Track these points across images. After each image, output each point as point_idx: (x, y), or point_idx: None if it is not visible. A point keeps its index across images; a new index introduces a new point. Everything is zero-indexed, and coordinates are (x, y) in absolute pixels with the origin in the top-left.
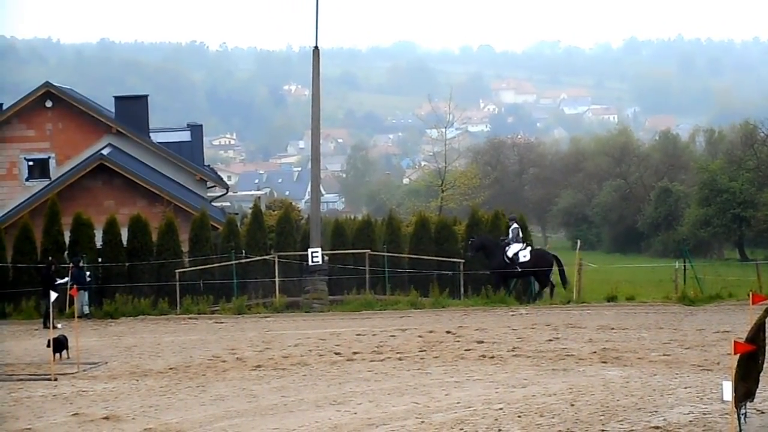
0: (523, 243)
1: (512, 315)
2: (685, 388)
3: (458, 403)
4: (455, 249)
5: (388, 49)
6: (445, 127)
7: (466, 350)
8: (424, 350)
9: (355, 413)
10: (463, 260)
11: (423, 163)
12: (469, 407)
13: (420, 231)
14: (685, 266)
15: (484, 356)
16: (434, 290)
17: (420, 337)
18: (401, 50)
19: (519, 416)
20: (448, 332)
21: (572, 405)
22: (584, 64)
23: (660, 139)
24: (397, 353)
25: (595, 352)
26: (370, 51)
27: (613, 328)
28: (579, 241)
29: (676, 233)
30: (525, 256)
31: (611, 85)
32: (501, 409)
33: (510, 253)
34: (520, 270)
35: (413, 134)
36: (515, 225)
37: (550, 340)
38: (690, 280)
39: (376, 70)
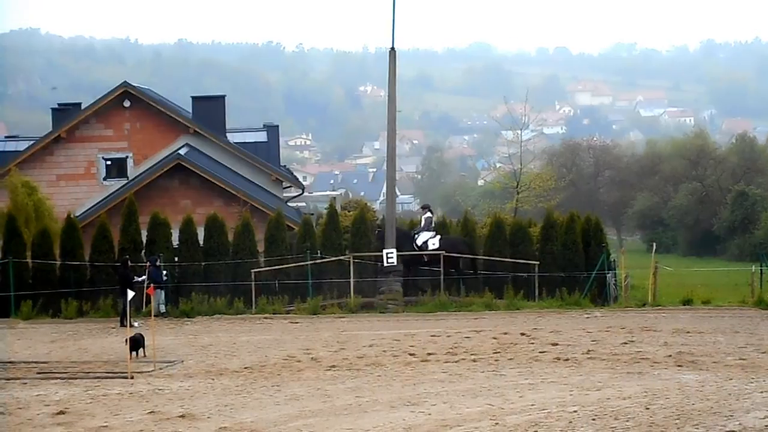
0: (434, 232)
1: (587, 318)
2: (761, 392)
3: (532, 405)
4: (530, 251)
5: (464, 51)
6: (521, 129)
7: (540, 352)
8: (499, 352)
9: (429, 414)
10: (538, 262)
11: (498, 165)
12: (544, 409)
13: (495, 233)
14: (761, 270)
15: (558, 359)
16: (509, 292)
17: (494, 338)
18: (477, 52)
19: (593, 419)
20: (522, 334)
21: (647, 408)
22: (660, 66)
23: (737, 142)
24: (472, 355)
25: (670, 356)
26: (446, 52)
27: (688, 332)
28: (654, 244)
29: (753, 237)
30: (434, 243)
31: (688, 87)
32: (575, 411)
33: (419, 241)
34: (427, 258)
35: (488, 136)
36: (428, 214)
37: (625, 343)
38: (766, 284)
39: (452, 72)
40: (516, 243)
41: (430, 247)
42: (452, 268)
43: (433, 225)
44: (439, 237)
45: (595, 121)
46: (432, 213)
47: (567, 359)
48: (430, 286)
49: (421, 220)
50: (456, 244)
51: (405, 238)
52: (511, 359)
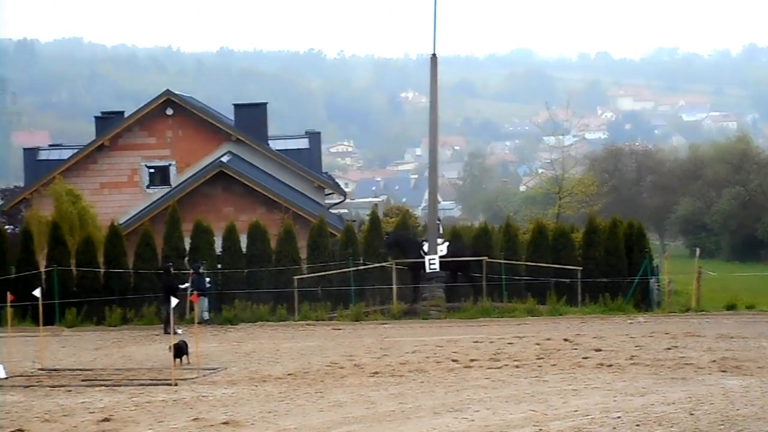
0: (442, 238)
1: (630, 323)
2: None
3: (576, 411)
4: (572, 256)
5: (505, 57)
6: (563, 135)
7: (583, 358)
8: (542, 358)
9: (473, 420)
10: (581, 268)
11: (540, 171)
12: (587, 415)
13: (537, 238)
14: None
15: (601, 364)
16: (551, 298)
17: (537, 344)
18: (518, 57)
19: (637, 425)
20: (565, 340)
21: (691, 414)
22: (703, 70)
23: None
24: (515, 361)
25: (714, 361)
26: (488, 58)
27: (732, 337)
28: (698, 249)
29: None
30: (441, 250)
31: (730, 91)
32: (619, 417)
33: (426, 247)
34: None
35: (530, 141)
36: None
37: (669, 349)
38: None
39: (494, 78)
40: (558, 249)
41: (438, 253)
42: (461, 273)
43: (440, 232)
44: (446, 244)
45: (637, 126)
46: (439, 220)
47: (610, 365)
48: (472, 293)
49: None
50: (463, 250)
51: (413, 246)
52: (554, 365)
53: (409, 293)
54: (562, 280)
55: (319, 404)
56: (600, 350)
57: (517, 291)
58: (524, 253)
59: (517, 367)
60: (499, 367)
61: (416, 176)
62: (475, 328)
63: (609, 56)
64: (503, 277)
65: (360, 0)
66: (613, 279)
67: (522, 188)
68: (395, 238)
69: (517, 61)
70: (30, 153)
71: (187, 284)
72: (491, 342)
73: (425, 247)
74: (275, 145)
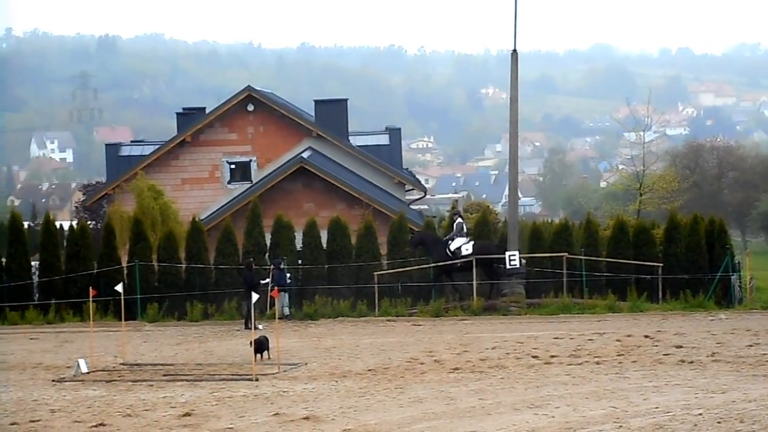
0: (467, 237)
1: (711, 320)
2: None
3: (657, 408)
4: (653, 253)
5: (585, 52)
6: (643, 131)
7: (664, 355)
8: (622, 354)
9: (553, 417)
10: (661, 264)
11: (620, 167)
12: (668, 412)
13: (618, 234)
14: None
15: (683, 361)
16: (632, 294)
17: (618, 341)
18: (599, 53)
19: (719, 422)
20: (646, 336)
21: None
22: None
23: None
24: (595, 357)
25: None
26: (568, 54)
27: None
28: None
29: None
30: (467, 249)
31: None
32: (700, 414)
33: (453, 246)
34: (460, 264)
35: (611, 137)
36: (459, 219)
37: (751, 346)
38: None
39: (574, 73)
40: (639, 245)
41: (464, 252)
42: (486, 272)
43: (464, 230)
44: (472, 242)
45: (719, 121)
46: (462, 218)
47: (691, 362)
48: (552, 289)
49: (453, 227)
50: (489, 248)
51: (438, 245)
52: (634, 362)
53: (489, 289)
54: (642, 276)
55: (399, 400)
56: (681, 347)
57: (598, 287)
58: (605, 250)
59: (597, 363)
60: (579, 364)
61: (496, 172)
62: (556, 324)
63: (690, 52)
64: (584, 273)
65: None
66: (694, 275)
67: (602, 184)
68: (420, 237)
69: (597, 57)
70: (112, 149)
71: (267, 280)
72: (571, 338)
73: (451, 246)
74: (355, 141)
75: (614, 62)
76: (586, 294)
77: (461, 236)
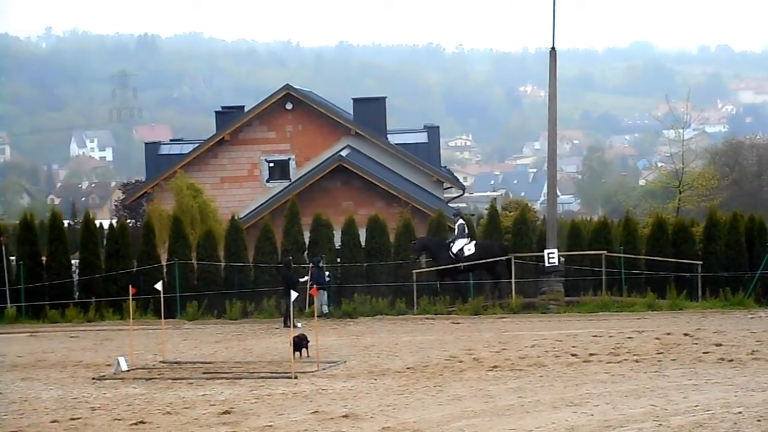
0: (468, 238)
1: (751, 318)
2: None
3: (696, 406)
4: (693, 251)
5: (624, 50)
6: (683, 128)
7: (704, 353)
8: (662, 352)
9: (592, 415)
10: (701, 262)
11: (659, 164)
12: (708, 410)
13: (657, 232)
14: None
15: (722, 359)
16: (671, 292)
17: (657, 339)
18: (638, 50)
19: (758, 420)
20: (685, 335)
21: None
22: None
23: None
24: (634, 355)
25: None
26: (607, 51)
27: None
28: None
29: None
30: (470, 249)
31: None
32: (740, 412)
33: (455, 248)
34: (463, 266)
35: (650, 135)
36: (461, 221)
37: None
38: None
39: (613, 71)
40: (678, 243)
41: (466, 253)
42: (489, 272)
43: (466, 232)
44: (474, 243)
45: (759, 118)
46: (464, 220)
47: (731, 360)
48: (591, 287)
49: (454, 228)
50: (491, 248)
51: (439, 247)
52: (674, 360)
53: (528, 287)
54: (682, 274)
55: (438, 398)
56: (720, 345)
57: (637, 285)
58: (644, 247)
59: (636, 361)
60: (618, 362)
61: (535, 170)
62: (594, 322)
63: (730, 49)
64: (623, 271)
65: None
66: (733, 273)
67: (641, 182)
68: (422, 243)
69: (636, 54)
70: (151, 147)
71: (306, 278)
72: (610, 336)
73: (454, 248)
74: (394, 139)
75: (653, 59)
76: (625, 292)
77: (463, 237)
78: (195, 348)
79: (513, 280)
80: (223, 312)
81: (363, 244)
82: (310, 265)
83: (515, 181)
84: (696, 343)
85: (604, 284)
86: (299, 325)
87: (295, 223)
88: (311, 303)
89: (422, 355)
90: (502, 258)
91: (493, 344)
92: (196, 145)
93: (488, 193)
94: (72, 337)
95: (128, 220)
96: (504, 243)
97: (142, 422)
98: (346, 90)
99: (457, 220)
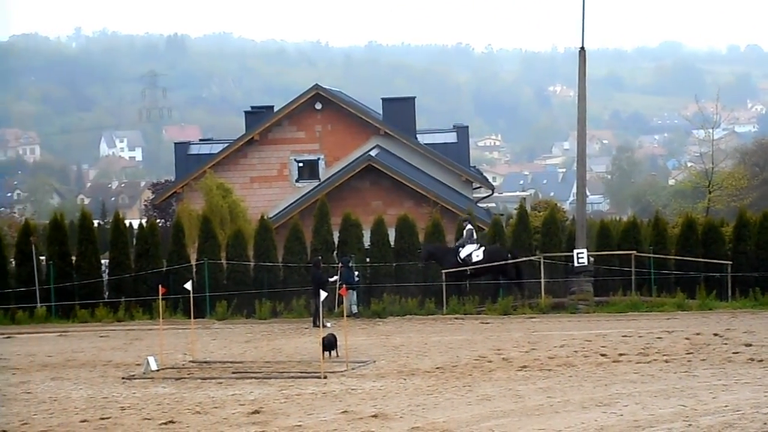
0: (477, 243)
1: None
2: None
3: (726, 406)
4: (723, 251)
5: (654, 50)
6: (712, 128)
7: (733, 353)
8: (691, 353)
9: (621, 415)
10: (731, 262)
11: (689, 164)
12: (738, 411)
13: (687, 232)
14: None
15: (752, 359)
16: (701, 292)
17: (687, 339)
18: (667, 50)
19: None
20: (715, 335)
21: None
22: None
23: None
24: (664, 355)
25: None
26: (636, 51)
27: None
28: None
29: None
30: (478, 255)
31: None
32: None
33: (463, 254)
34: (470, 272)
35: (679, 135)
36: (469, 226)
37: None
38: None
39: (642, 71)
40: (708, 243)
41: (474, 259)
42: (504, 276)
43: (474, 237)
44: (483, 248)
45: None
46: (472, 225)
47: (761, 360)
48: (620, 287)
49: (463, 233)
50: (500, 253)
51: (448, 254)
52: (703, 360)
53: (557, 287)
54: (711, 274)
55: (467, 398)
56: (750, 345)
57: (666, 285)
58: (673, 247)
59: (666, 361)
60: (648, 362)
61: (564, 170)
62: (624, 322)
63: (759, 49)
64: (652, 271)
65: None
66: (763, 273)
67: (671, 182)
68: (429, 250)
69: (665, 54)
70: (181, 147)
71: (336, 278)
72: (640, 336)
73: (461, 253)
74: (423, 139)
75: (682, 59)
76: (655, 292)
77: (471, 242)
78: (224, 348)
79: (543, 280)
80: (253, 312)
81: (392, 243)
82: (340, 264)
83: (544, 181)
84: (726, 344)
85: (634, 284)
86: (328, 324)
87: (325, 223)
88: (340, 303)
89: (451, 355)
90: (509, 261)
91: (522, 344)
92: (226, 145)
93: (517, 193)
94: (102, 336)
95: (158, 220)
96: (513, 248)
97: (172, 422)
98: (376, 90)
99: (466, 225)
